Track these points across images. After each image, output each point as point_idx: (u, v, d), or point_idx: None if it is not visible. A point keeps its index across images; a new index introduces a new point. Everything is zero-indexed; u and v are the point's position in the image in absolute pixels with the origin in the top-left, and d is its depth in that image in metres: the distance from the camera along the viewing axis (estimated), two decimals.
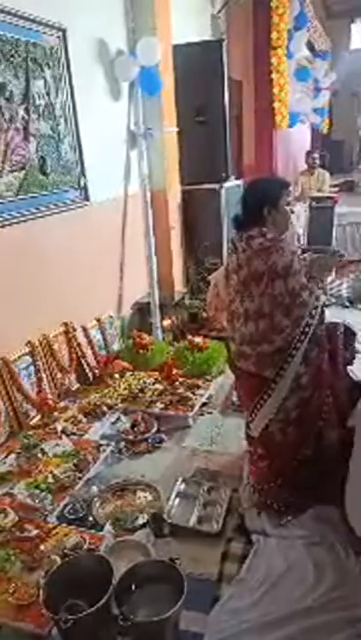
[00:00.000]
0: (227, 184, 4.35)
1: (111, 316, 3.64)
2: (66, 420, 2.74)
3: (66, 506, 2.09)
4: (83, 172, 3.22)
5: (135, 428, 2.70)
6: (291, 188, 2.04)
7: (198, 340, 3.45)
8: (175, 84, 4.02)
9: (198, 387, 3.08)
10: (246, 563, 1.82)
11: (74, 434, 2.64)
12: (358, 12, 11.55)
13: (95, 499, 2.14)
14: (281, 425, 1.95)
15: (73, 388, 3.12)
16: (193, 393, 3.00)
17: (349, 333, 2.11)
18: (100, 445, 2.52)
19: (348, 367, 2.08)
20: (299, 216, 5.97)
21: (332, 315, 4.18)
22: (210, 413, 2.92)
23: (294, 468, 1.99)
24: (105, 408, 2.89)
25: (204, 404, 2.96)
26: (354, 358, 2.08)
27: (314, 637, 1.54)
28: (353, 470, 1.90)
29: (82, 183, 3.23)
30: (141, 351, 3.43)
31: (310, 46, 8.17)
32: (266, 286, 1.83)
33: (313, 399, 1.93)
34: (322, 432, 1.97)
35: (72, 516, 2.04)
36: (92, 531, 1.95)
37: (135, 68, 3.46)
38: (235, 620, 1.60)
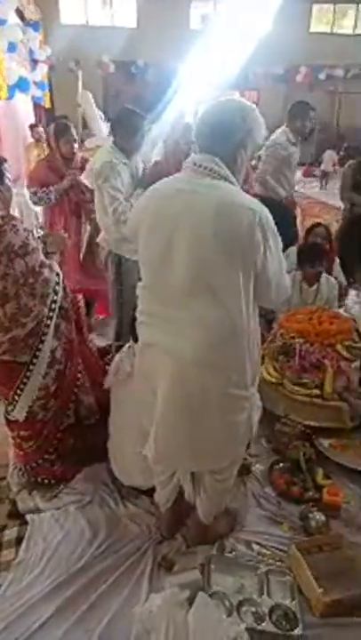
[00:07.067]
0: None
1: None
2: None
3: None
4: None
5: None
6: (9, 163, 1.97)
7: None
8: None
9: None
10: (23, 544, 1.82)
11: None
12: None
13: None
14: (42, 401, 1.97)
15: None
16: None
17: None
18: None
19: (91, 334, 2.24)
20: None
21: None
22: None
23: (59, 438, 2.06)
24: None
25: None
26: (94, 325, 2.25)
27: (104, 581, 1.67)
28: (112, 427, 2.09)
29: None
30: None
31: (20, 15, 7.88)
32: (7, 267, 1.77)
33: (68, 369, 2.01)
34: (79, 398, 2.08)
35: None
36: None
37: None
38: (20, 601, 1.60)
